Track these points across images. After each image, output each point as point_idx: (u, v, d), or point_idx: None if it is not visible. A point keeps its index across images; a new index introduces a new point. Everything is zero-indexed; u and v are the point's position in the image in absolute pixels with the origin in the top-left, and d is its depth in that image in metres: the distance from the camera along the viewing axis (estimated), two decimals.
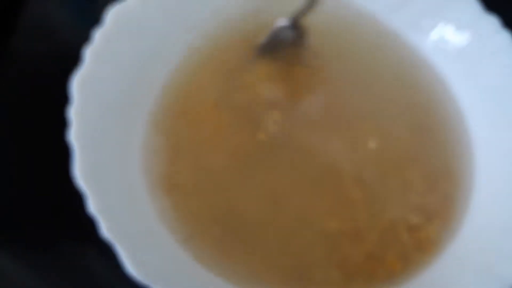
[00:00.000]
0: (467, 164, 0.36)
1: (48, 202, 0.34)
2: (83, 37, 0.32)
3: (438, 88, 0.38)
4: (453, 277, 0.31)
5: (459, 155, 0.36)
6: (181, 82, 0.36)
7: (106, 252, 0.27)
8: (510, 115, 0.35)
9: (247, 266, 0.32)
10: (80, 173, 0.28)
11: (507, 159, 0.34)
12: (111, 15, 0.33)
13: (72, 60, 0.31)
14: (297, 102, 0.37)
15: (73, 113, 0.30)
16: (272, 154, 0.35)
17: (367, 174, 0.35)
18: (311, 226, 0.33)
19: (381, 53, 0.39)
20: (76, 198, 0.28)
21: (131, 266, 0.27)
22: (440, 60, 0.38)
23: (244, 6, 0.38)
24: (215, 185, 0.34)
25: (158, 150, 0.34)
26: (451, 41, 0.37)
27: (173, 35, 0.36)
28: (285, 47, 0.38)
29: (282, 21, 0.37)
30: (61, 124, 0.30)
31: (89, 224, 0.28)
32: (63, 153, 0.29)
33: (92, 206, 0.28)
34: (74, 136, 0.29)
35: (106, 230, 0.27)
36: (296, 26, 0.37)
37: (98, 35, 0.32)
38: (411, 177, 0.35)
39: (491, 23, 0.35)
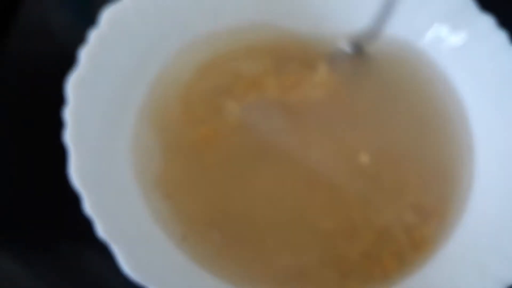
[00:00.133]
0: (464, 164, 0.35)
1: (48, 202, 0.34)
2: (79, 38, 0.32)
3: (437, 88, 0.38)
4: (449, 277, 0.31)
5: (457, 155, 0.36)
6: (176, 82, 0.36)
7: (106, 252, 0.27)
8: (508, 115, 0.35)
9: (243, 266, 0.32)
10: (75, 174, 0.29)
11: (504, 160, 0.34)
12: (106, 16, 0.33)
13: (68, 61, 0.32)
14: (295, 101, 0.37)
15: (69, 114, 0.30)
16: (268, 154, 0.35)
17: (363, 173, 0.34)
18: (307, 226, 0.33)
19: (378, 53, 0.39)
20: (76, 198, 0.28)
21: (127, 267, 0.27)
22: (436, 60, 0.38)
23: (238, 5, 0.38)
24: (210, 185, 0.34)
25: (153, 150, 0.34)
26: (446, 41, 0.37)
27: (168, 36, 0.36)
28: None
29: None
30: (59, 124, 0.30)
31: (89, 224, 0.28)
32: (63, 154, 0.29)
33: (88, 207, 0.28)
34: (69, 137, 0.29)
35: (102, 231, 0.28)
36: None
37: (94, 36, 0.32)
38: (407, 176, 0.35)
39: (487, 22, 0.35)
